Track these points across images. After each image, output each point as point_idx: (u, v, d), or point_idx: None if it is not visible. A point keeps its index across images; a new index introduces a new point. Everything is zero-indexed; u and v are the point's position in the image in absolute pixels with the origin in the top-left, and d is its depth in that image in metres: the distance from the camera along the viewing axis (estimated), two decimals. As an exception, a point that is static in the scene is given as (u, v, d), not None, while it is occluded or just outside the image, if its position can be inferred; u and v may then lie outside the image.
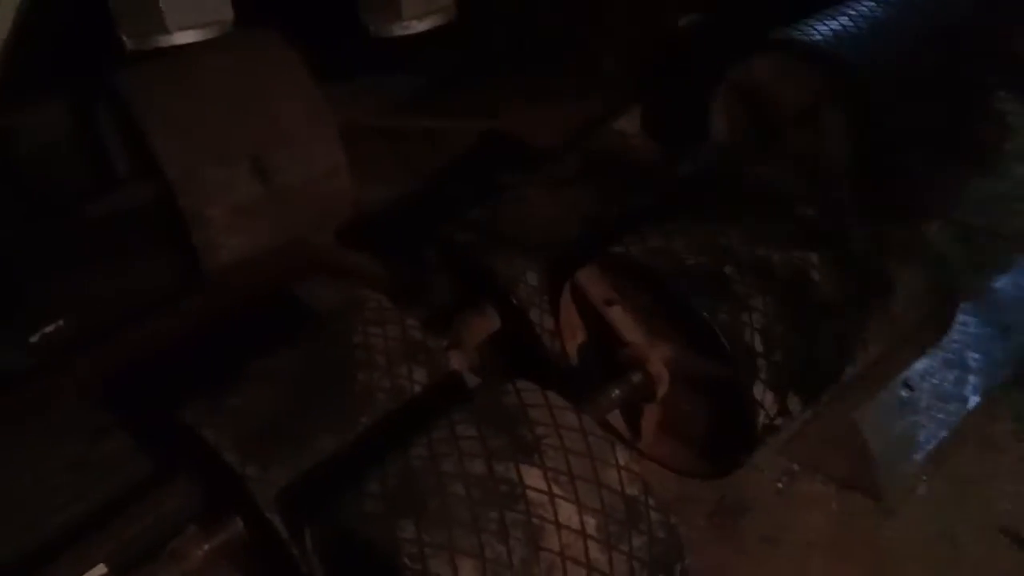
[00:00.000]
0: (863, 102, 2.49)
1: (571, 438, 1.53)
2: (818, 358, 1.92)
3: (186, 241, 2.39)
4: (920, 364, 2.46)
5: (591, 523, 1.45)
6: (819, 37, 2.54)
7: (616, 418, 2.13)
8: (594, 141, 2.99)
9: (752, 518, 2.17)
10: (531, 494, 1.45)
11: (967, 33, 2.71)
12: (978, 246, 2.92)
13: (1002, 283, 2.81)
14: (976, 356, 2.54)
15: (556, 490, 1.46)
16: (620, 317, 2.02)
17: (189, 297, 2.43)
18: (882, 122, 2.50)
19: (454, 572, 1.37)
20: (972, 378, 2.48)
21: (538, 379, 1.64)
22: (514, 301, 2.14)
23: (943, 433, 2.33)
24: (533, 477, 1.46)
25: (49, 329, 2.32)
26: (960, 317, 2.54)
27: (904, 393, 2.42)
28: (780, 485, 2.25)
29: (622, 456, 1.54)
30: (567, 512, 1.45)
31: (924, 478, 2.25)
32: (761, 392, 1.81)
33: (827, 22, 2.57)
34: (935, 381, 2.46)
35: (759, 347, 1.82)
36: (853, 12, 2.62)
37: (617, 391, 1.94)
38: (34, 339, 2.31)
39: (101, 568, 1.68)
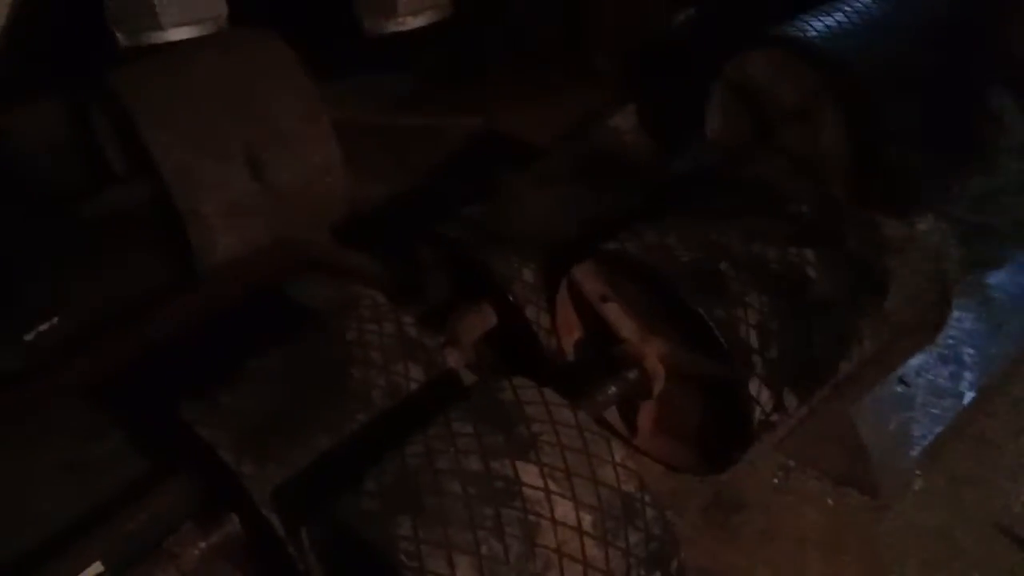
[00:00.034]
0: (859, 99, 2.49)
1: (567, 435, 1.53)
2: (814, 354, 1.92)
3: (182, 239, 2.38)
4: (915, 360, 2.46)
5: (587, 519, 1.45)
6: (815, 34, 2.54)
7: (612, 415, 2.14)
8: (590, 138, 2.99)
9: (748, 514, 2.18)
10: (527, 491, 1.45)
11: (962, 30, 2.71)
12: (973, 242, 2.93)
13: (997, 279, 2.82)
14: (971, 352, 2.55)
15: (552, 487, 1.46)
16: (616, 313, 2.01)
17: (185, 295, 2.42)
18: (878, 119, 2.50)
19: (451, 569, 1.37)
20: (967, 374, 2.49)
21: (534, 376, 1.64)
22: (510, 298, 2.13)
23: (938, 429, 2.34)
24: (529, 474, 1.46)
25: (44, 328, 2.32)
26: (955, 313, 2.54)
27: (900, 389, 2.42)
28: (776, 481, 2.25)
29: (618, 453, 1.54)
30: (563, 509, 1.45)
31: (919, 474, 2.25)
32: (757, 388, 1.81)
33: (823, 19, 2.57)
34: (930, 377, 2.47)
35: (755, 343, 1.82)
36: (849, 9, 2.62)
37: (613, 388, 1.94)
38: (29, 338, 2.30)
39: (97, 566, 1.68)
